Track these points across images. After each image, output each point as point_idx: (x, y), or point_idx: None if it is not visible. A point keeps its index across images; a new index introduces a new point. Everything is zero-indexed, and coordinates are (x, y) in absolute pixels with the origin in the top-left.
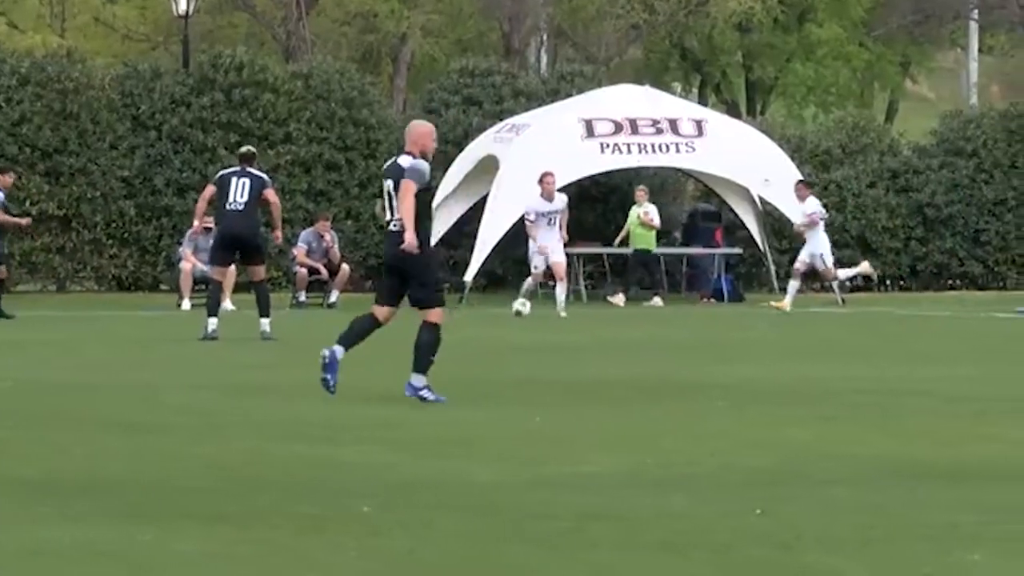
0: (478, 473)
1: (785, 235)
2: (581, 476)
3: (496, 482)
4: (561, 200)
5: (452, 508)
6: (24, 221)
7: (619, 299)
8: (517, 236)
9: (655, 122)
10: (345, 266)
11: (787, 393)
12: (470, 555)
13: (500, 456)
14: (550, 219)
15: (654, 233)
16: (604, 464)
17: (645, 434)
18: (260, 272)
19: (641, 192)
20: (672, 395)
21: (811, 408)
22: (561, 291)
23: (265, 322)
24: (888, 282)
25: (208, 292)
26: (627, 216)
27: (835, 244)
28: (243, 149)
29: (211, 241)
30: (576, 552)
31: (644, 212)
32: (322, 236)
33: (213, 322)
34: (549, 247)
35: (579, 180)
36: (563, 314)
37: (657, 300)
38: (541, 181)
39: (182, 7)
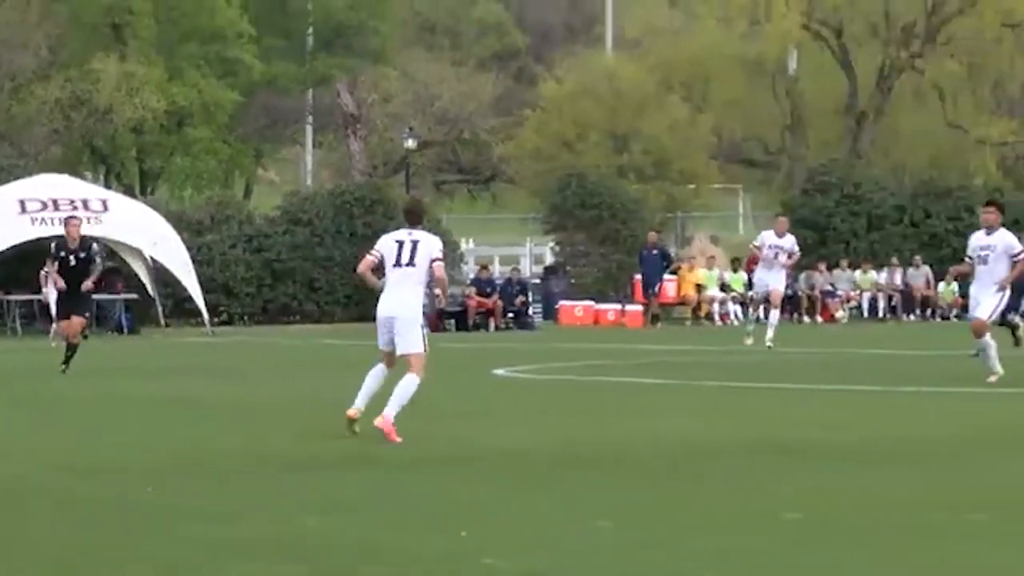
0: None
1: (167, 283)
2: None
3: None
4: None
5: None
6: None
7: None
8: None
9: (72, 201)
10: None
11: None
12: None
13: None
14: None
15: None
16: None
17: None
18: None
19: None
20: None
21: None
22: None
23: None
24: (246, 318)
25: None
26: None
27: (205, 291)
28: None
29: None
30: None
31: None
32: None
33: None
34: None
35: (16, 244)
36: None
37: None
38: None
39: None
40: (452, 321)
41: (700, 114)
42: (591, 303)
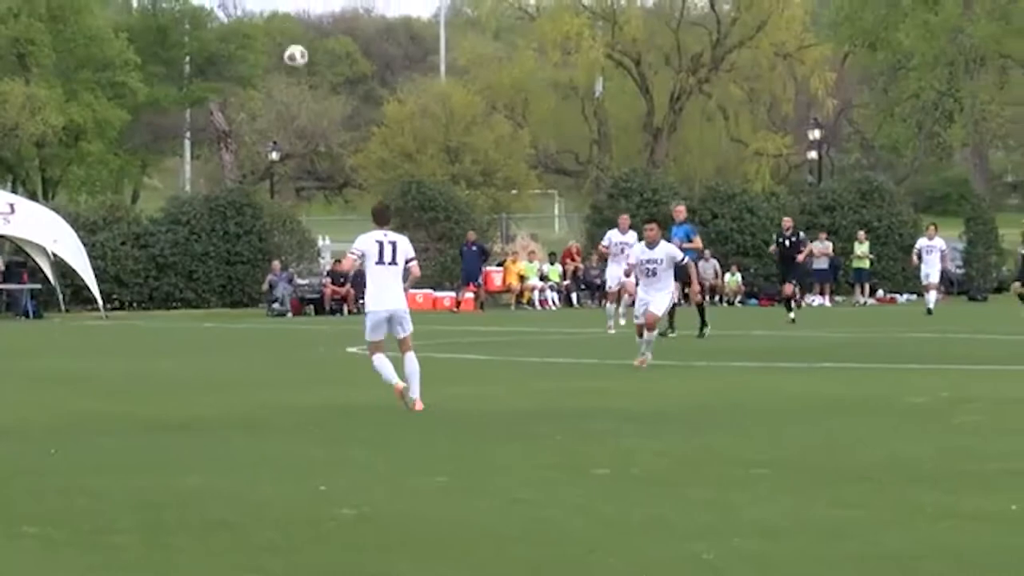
0: None
1: (67, 274)
2: None
3: None
4: None
5: None
6: None
7: None
8: None
9: None
10: None
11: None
12: None
13: None
14: None
15: None
16: None
17: None
18: None
19: None
20: None
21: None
22: None
23: None
24: (135, 304)
25: None
26: None
27: (100, 281)
28: None
29: None
30: None
31: None
32: None
33: None
34: None
35: None
36: None
37: None
38: None
39: None
40: (311, 307)
41: (520, 130)
42: (430, 291)
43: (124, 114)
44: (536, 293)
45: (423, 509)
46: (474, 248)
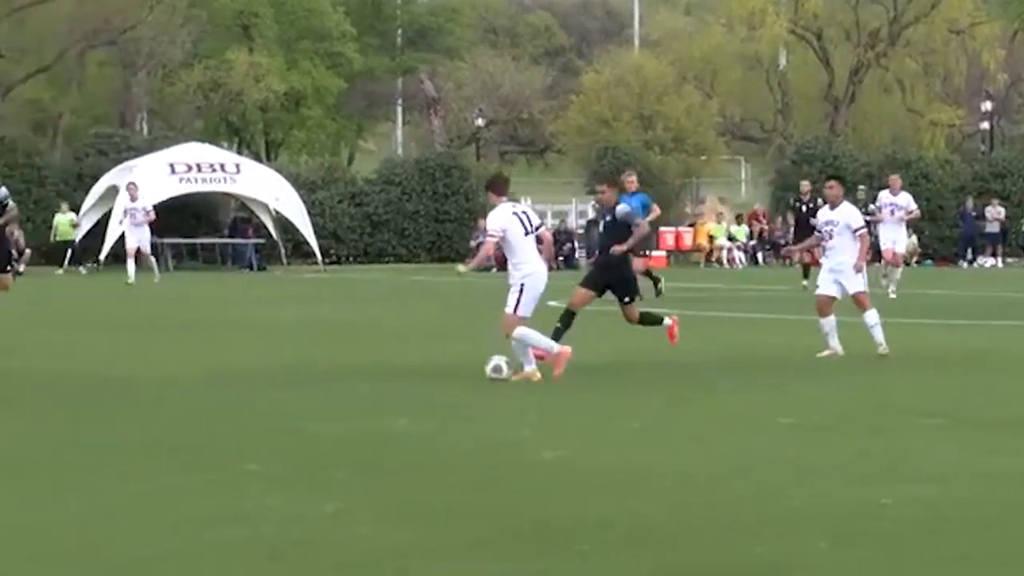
0: None
1: (288, 230)
2: None
3: None
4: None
5: None
6: None
7: None
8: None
9: (211, 165)
10: (28, 250)
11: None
12: None
13: None
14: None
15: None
16: None
17: None
18: None
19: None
20: None
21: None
22: None
23: None
24: (350, 258)
25: None
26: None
27: (318, 236)
28: None
29: None
30: None
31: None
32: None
33: None
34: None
35: (166, 199)
36: None
37: None
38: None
39: None
40: None
41: (709, 99)
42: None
43: (341, 82)
44: (724, 252)
45: (618, 453)
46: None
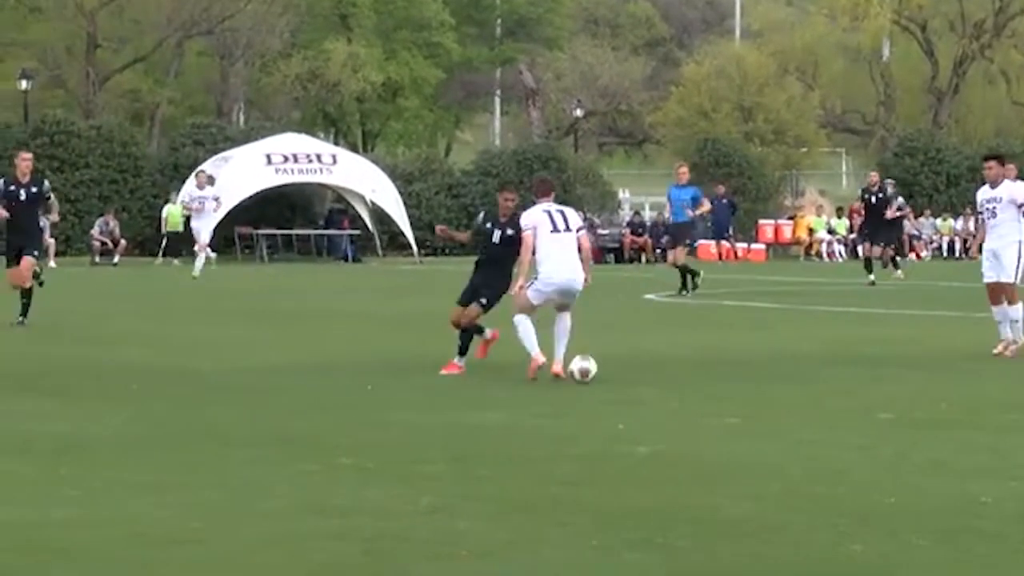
0: None
1: (384, 221)
2: None
3: None
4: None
5: None
6: None
7: None
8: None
9: (308, 156)
10: (123, 240)
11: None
12: None
13: None
14: None
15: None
16: None
17: None
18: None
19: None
20: None
21: None
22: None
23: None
24: (447, 251)
25: None
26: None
27: (414, 228)
28: None
29: None
30: None
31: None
32: (107, 222)
33: None
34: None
35: (262, 190)
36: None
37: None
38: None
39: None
40: (611, 255)
41: (811, 91)
42: (724, 242)
43: (439, 72)
44: (824, 246)
45: (714, 448)
46: (724, 201)
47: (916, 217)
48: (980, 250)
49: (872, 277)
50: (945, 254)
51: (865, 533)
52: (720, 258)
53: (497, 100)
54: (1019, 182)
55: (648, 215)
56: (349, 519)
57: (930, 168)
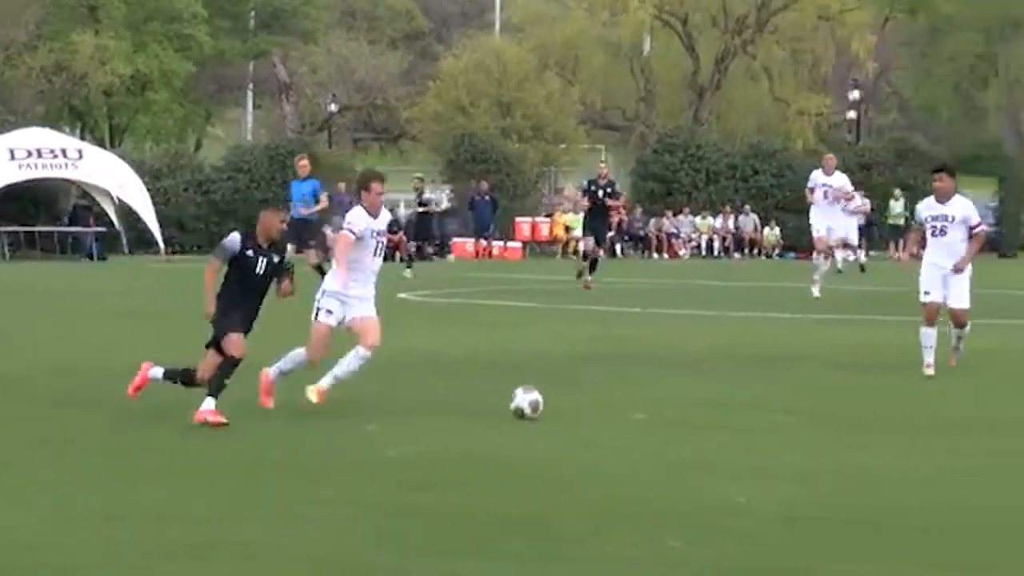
0: None
1: (131, 219)
2: None
3: None
4: None
5: None
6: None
7: None
8: None
9: (52, 150)
10: None
11: None
12: None
13: None
14: None
15: None
16: None
17: None
18: None
19: None
20: None
21: None
22: None
23: None
24: (196, 248)
25: None
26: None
27: (162, 225)
28: None
29: None
30: None
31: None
32: None
33: None
34: None
35: (4, 186)
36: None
37: None
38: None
39: None
40: None
41: (570, 86)
42: (481, 241)
43: (189, 65)
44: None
45: (463, 447)
46: (486, 199)
47: (675, 215)
48: (906, 259)
49: (591, 277)
50: (704, 252)
51: (617, 535)
52: (476, 256)
53: (250, 94)
54: (967, 200)
55: (403, 212)
56: None
57: (690, 165)
